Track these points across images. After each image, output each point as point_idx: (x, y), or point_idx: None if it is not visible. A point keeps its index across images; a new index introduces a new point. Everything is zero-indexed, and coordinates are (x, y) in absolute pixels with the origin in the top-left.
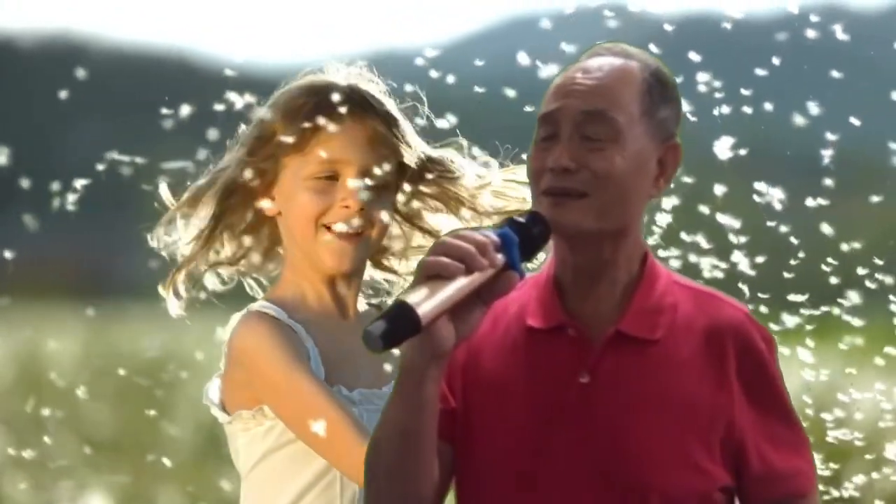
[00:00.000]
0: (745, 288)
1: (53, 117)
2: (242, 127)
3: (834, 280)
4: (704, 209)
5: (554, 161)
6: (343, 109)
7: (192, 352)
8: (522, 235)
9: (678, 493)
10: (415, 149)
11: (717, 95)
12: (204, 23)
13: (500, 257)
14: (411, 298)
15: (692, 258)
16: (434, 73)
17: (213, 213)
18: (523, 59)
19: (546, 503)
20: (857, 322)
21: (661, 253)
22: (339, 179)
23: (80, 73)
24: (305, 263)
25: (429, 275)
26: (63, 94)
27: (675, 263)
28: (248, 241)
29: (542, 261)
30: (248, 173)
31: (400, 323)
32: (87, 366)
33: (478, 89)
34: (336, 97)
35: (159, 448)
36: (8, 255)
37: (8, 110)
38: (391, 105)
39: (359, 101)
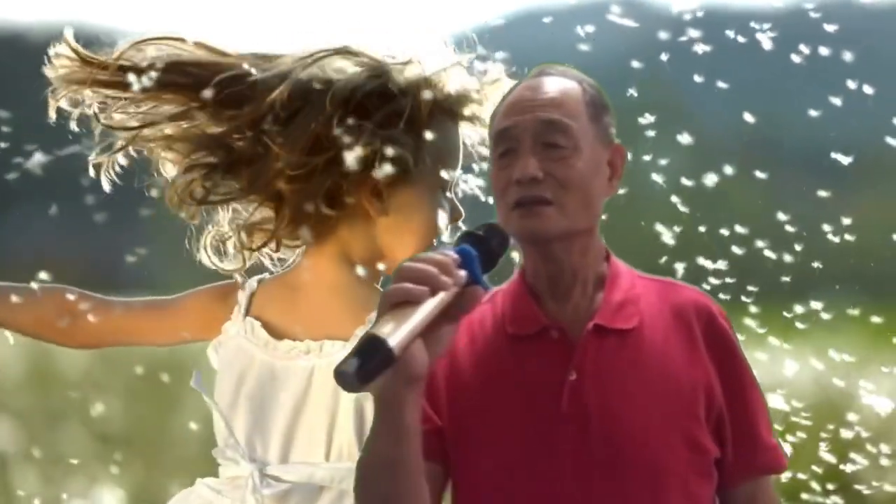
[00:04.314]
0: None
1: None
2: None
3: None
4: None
5: (520, 172)
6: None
7: (202, 346)
8: (480, 248)
9: (683, 470)
10: None
11: (722, 87)
12: (214, 18)
13: (462, 274)
14: (381, 330)
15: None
16: None
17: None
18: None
19: (557, 501)
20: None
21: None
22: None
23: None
24: None
25: (394, 303)
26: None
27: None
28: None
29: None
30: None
31: (373, 358)
32: (97, 361)
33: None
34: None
35: (170, 442)
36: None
37: (17, 106)
38: None
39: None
